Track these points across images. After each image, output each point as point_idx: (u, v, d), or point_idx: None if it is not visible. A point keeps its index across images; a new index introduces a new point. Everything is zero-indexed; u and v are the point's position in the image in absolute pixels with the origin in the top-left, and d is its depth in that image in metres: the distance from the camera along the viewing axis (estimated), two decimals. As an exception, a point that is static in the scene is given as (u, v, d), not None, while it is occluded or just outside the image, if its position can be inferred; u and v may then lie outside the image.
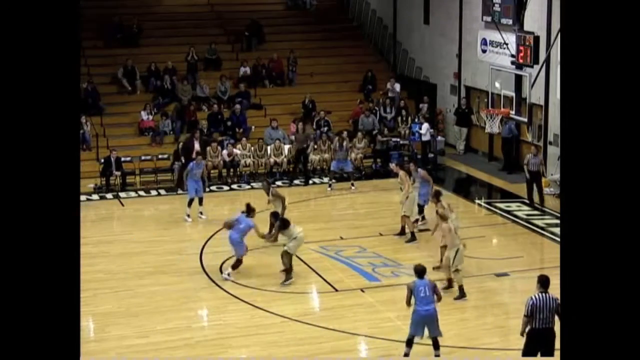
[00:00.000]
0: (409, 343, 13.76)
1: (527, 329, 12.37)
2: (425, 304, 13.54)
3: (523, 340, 12.51)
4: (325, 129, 28.45)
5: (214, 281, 17.77)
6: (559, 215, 22.06)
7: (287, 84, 31.76)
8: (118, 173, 25.30)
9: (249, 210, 18.06)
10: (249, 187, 25.96)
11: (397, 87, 31.28)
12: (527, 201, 23.28)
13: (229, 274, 17.78)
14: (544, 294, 12.26)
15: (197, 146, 25.55)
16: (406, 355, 13.79)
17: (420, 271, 13.79)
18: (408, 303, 13.82)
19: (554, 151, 24.49)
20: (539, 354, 12.36)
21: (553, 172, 23.88)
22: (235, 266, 17.84)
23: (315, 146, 27.36)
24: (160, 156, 26.46)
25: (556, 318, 12.18)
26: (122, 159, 25.91)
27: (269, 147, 26.98)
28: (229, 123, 28.38)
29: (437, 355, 13.78)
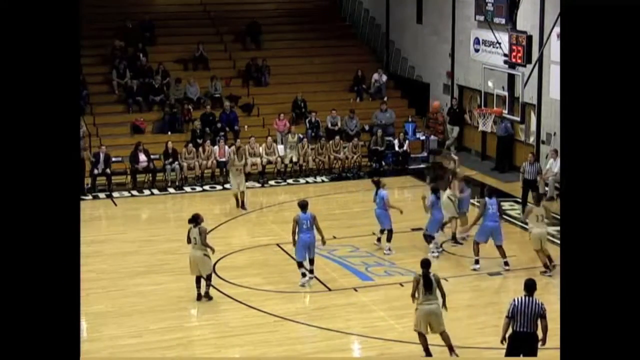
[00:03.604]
0: (300, 265, 17.36)
1: (509, 333, 12.37)
2: (307, 232, 17.13)
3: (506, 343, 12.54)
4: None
5: (207, 281, 17.76)
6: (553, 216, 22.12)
7: (264, 84, 31.49)
8: (106, 170, 25.16)
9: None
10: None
11: (384, 77, 31.44)
12: (519, 200, 23.26)
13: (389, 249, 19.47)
14: (528, 298, 12.29)
15: (142, 157, 25.57)
16: (304, 275, 17.35)
17: (303, 205, 17.32)
18: (294, 234, 17.15)
19: (546, 150, 24.51)
20: (521, 355, 12.39)
21: (544, 171, 23.88)
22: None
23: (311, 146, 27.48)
24: (152, 156, 26.38)
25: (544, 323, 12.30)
26: (113, 159, 25.90)
27: (260, 147, 26.95)
28: (219, 125, 28.29)
29: (311, 271, 17.49)
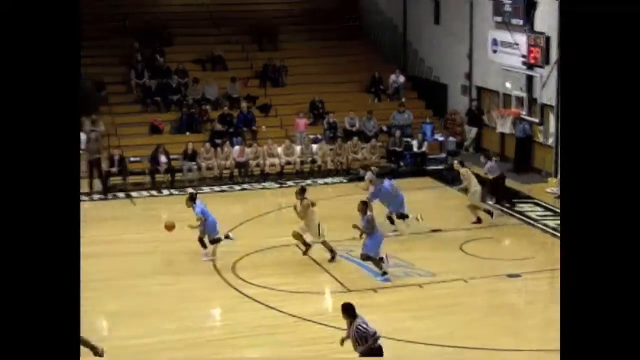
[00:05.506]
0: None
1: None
2: None
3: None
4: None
5: (226, 280, 17.80)
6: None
7: (281, 85, 31.58)
8: (115, 170, 25.33)
9: None
10: (260, 187, 26.04)
11: (402, 78, 31.47)
12: (537, 202, 23.20)
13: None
14: (357, 319, 12.08)
15: (163, 159, 25.67)
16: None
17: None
18: None
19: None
20: None
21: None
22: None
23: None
24: (171, 156, 26.46)
25: None
26: (132, 159, 26.02)
27: (279, 148, 27.03)
28: (234, 128, 28.33)
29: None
